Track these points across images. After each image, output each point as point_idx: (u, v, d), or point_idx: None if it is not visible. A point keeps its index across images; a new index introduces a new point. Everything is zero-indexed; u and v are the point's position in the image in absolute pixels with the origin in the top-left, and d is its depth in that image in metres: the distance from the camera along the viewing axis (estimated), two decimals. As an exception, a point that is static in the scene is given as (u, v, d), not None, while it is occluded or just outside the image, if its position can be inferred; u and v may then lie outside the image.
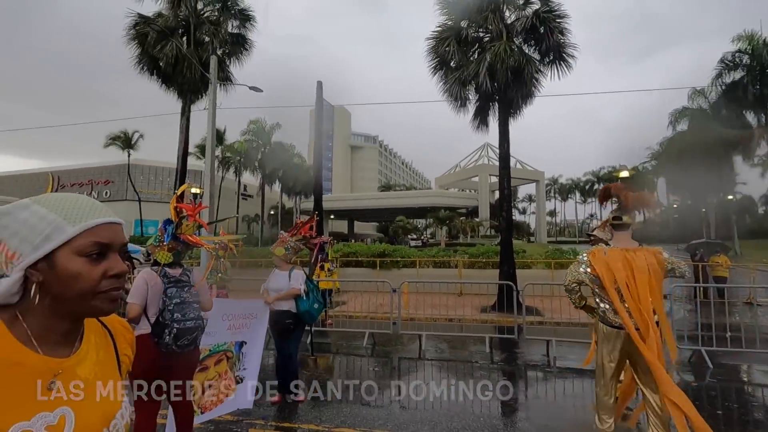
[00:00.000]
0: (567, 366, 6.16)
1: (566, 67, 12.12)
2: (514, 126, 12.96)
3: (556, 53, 12.02)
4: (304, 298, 4.57)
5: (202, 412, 3.65)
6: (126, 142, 35.37)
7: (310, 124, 71.70)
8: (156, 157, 41.72)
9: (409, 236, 48.43)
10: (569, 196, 79.74)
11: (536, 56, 12.26)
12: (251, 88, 15.72)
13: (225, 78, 16.74)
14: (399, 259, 16.67)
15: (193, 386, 3.50)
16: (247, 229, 46.86)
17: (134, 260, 7.25)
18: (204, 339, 3.35)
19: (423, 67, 13.54)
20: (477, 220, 44.36)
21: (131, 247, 9.24)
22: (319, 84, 14.59)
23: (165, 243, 3.03)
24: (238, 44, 17.43)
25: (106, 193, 42.30)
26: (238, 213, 40.79)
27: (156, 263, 3.06)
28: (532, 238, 58.09)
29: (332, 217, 50.85)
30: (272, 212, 49.48)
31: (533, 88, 12.16)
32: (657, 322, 2.98)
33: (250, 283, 8.66)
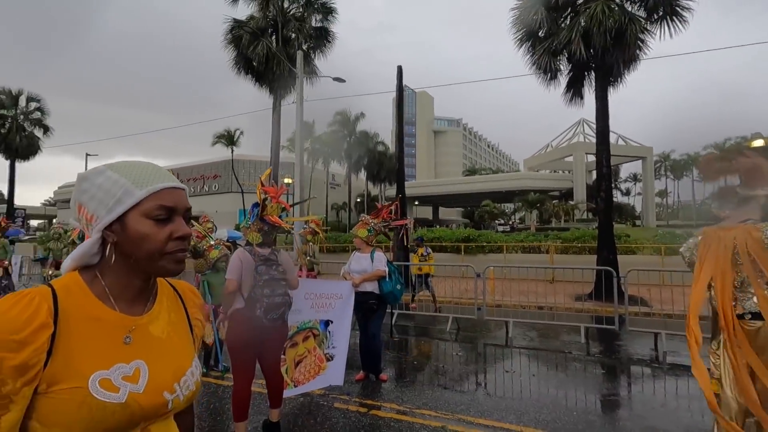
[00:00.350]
0: (680, 363, 5.43)
1: (680, 22, 10.50)
2: (614, 97, 11.60)
3: (667, 8, 10.47)
4: (388, 279, 4.65)
5: (295, 386, 3.89)
6: (229, 139, 39.04)
7: (394, 112, 72.14)
8: (254, 152, 45.41)
9: (496, 221, 46.73)
10: (684, 173, 69.76)
11: (641, 14, 10.81)
12: (335, 79, 16.22)
13: (310, 71, 17.47)
14: (485, 244, 16.16)
15: (285, 360, 3.76)
16: (335, 217, 49.08)
17: (238, 245, 7.99)
18: (291, 316, 3.56)
19: (508, 43, 12.68)
20: (571, 203, 41.17)
21: (234, 233, 10.19)
22: (399, 69, 14.47)
23: (252, 223, 3.27)
24: (322, 37, 18.04)
25: (215, 186, 47.21)
26: (327, 201, 42.88)
27: (249, 244, 3.31)
28: (637, 222, 52.25)
29: (416, 203, 50.98)
30: (359, 200, 51.13)
31: (637, 51, 10.76)
32: (756, 312, 2.52)
33: (338, 266, 9.04)
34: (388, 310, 5.75)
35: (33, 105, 27.44)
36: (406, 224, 5.44)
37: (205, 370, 4.90)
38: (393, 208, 5.12)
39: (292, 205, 4.30)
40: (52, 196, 56.11)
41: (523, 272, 10.31)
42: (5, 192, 32.61)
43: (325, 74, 17.68)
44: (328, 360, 4.21)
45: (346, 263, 4.96)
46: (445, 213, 66.13)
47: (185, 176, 46.78)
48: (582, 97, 12.26)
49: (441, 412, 3.86)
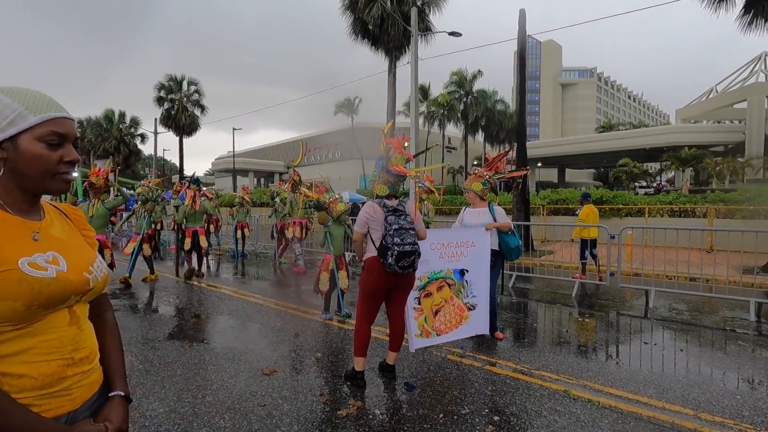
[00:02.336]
0: None
1: None
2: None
3: None
4: (512, 234, 4.44)
5: (438, 335, 3.97)
6: (349, 107, 40.86)
7: (514, 65, 66.65)
8: (373, 120, 46.75)
9: (636, 183, 40.88)
10: None
11: None
12: (451, 33, 15.51)
13: (425, 28, 16.98)
14: (620, 206, 14.31)
15: (422, 310, 3.87)
16: (452, 181, 48.46)
17: (358, 207, 8.45)
18: (421, 266, 3.60)
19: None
20: (741, 159, 33.50)
21: (356, 196, 10.74)
22: (522, 13, 13.10)
23: (377, 174, 3.37)
24: (436, -10, 17.29)
25: (338, 154, 50.16)
26: (443, 163, 42.40)
27: (378, 197, 3.40)
28: (842, 182, 40.35)
29: (539, 165, 47.19)
30: (475, 162, 49.47)
31: None
32: None
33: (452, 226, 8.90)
34: (506, 271, 5.47)
35: (192, 88, 32.30)
36: (524, 175, 5.00)
37: (331, 316, 5.33)
38: (504, 159, 4.78)
39: (415, 155, 4.29)
40: (210, 167, 66.04)
41: (671, 239, 8.86)
42: (177, 165, 39.45)
43: (440, 30, 17.03)
44: (469, 309, 4.18)
45: (455, 222, 4.81)
46: (572, 175, 59.96)
47: (312, 145, 50.51)
48: (767, 19, 9.63)
49: (563, 376, 3.58)
